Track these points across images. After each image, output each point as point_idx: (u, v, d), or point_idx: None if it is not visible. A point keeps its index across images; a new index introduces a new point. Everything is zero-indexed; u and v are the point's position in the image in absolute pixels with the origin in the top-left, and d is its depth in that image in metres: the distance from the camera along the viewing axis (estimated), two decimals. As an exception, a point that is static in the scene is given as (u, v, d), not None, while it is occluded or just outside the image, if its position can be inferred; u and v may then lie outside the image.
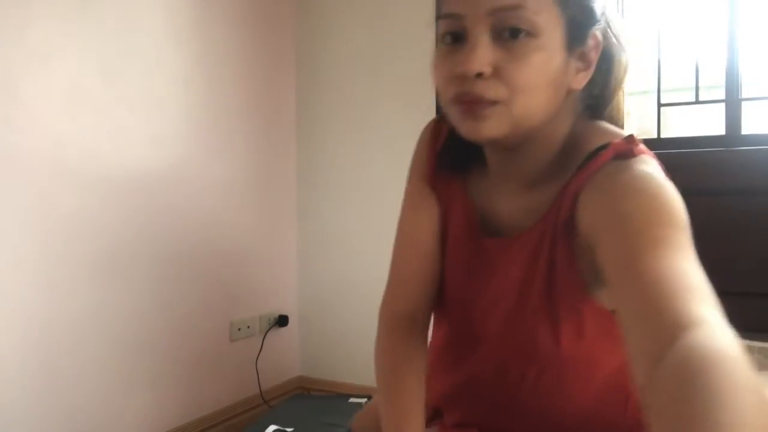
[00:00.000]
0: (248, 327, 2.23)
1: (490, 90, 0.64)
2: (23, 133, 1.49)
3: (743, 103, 1.90)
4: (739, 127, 1.90)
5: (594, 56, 0.69)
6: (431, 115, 1.01)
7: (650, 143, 0.85)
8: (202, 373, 2.02)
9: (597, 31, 0.69)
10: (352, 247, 2.39)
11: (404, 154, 0.92)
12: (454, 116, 0.69)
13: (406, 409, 0.76)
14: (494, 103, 0.65)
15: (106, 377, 1.70)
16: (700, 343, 0.41)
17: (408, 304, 0.84)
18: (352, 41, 2.36)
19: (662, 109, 2.06)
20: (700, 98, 2.07)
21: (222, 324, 2.12)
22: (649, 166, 0.64)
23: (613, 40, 0.72)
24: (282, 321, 2.37)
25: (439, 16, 0.69)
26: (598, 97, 0.75)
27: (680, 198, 0.60)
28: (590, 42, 0.69)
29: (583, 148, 0.69)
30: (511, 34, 0.64)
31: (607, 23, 0.71)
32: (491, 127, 0.66)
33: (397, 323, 0.83)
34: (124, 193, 1.74)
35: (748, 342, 1.59)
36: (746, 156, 1.85)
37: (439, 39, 0.70)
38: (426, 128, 0.86)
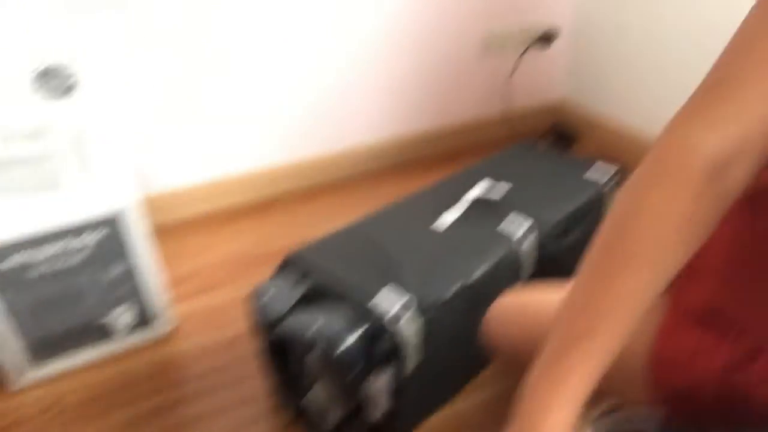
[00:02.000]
0: (505, 40, 1.98)
1: None
2: None
3: None
4: None
5: None
6: None
7: None
8: (444, 84, 1.94)
9: None
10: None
11: None
12: None
13: (616, 305, 0.49)
14: None
15: (348, 78, 1.75)
16: None
17: (727, 140, 0.47)
18: None
19: None
20: None
21: (473, 35, 1.92)
22: None
23: None
24: (547, 38, 2.05)
25: None
26: None
27: None
28: None
29: None
30: None
31: None
32: None
33: (701, 165, 0.47)
34: None
35: None
36: None
37: None
38: None
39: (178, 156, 1.60)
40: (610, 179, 1.33)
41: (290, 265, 1.03)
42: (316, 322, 0.90)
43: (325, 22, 1.63)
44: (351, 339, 0.88)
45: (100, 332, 1.16)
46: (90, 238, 1.07)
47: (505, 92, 2.06)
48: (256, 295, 0.98)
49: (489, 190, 1.21)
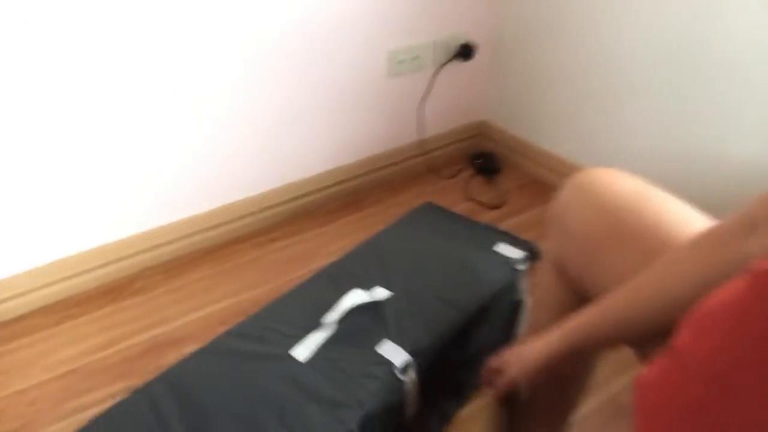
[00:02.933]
0: (415, 58, 1.69)
1: None
2: None
3: None
4: None
5: None
6: None
7: None
8: (354, 114, 1.65)
9: None
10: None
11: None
12: None
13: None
14: None
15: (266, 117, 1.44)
16: None
17: None
18: None
19: None
20: None
21: (377, 55, 1.62)
22: None
23: None
24: (464, 53, 1.77)
25: None
26: None
27: None
28: None
29: None
30: None
31: None
32: None
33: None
34: None
35: None
36: None
37: None
38: None
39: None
40: (522, 261, 1.07)
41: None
42: None
43: (184, 73, 1.30)
44: None
45: None
46: None
47: (419, 117, 1.79)
48: None
49: (364, 299, 0.93)
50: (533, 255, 1.09)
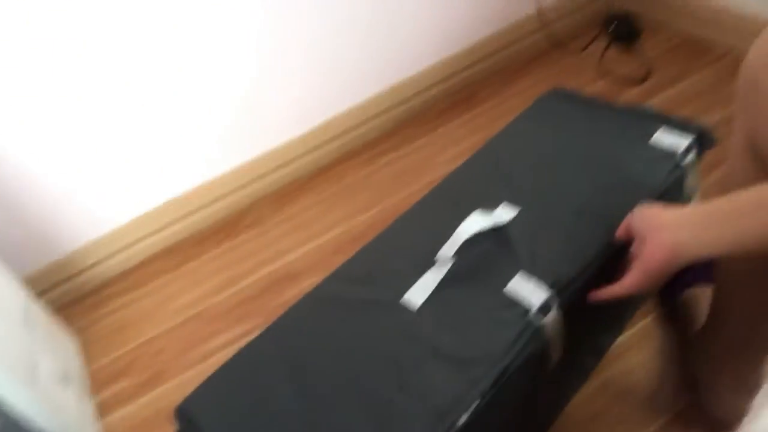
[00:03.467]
0: None
1: None
2: None
3: None
4: None
5: None
6: None
7: None
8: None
9: None
10: None
11: None
12: None
13: None
14: None
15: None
16: None
17: None
18: None
19: None
20: None
21: None
22: None
23: None
24: None
25: None
26: None
27: None
28: None
29: None
30: None
31: None
32: None
33: None
34: None
35: None
36: None
37: None
38: None
39: (87, 197, 1.20)
40: (688, 150, 0.82)
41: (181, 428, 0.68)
42: None
43: None
44: None
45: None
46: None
47: (533, -15, 1.48)
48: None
49: (484, 224, 0.75)
50: (704, 140, 0.83)
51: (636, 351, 0.94)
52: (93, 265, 1.25)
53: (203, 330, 1.12)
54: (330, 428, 0.63)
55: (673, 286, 0.98)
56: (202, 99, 1.21)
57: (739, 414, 0.85)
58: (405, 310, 0.71)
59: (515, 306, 0.68)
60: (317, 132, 1.39)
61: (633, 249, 0.67)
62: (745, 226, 0.56)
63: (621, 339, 0.95)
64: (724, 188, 0.68)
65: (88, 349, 1.14)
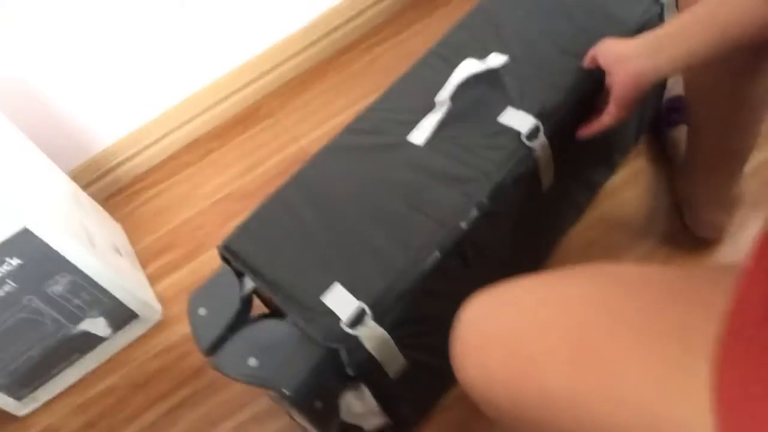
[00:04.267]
0: None
1: None
2: None
3: None
4: None
5: None
6: None
7: None
8: None
9: None
10: None
11: None
12: None
13: None
14: None
15: None
16: None
17: None
18: None
19: None
20: None
21: None
22: None
23: None
24: None
25: None
26: None
27: None
28: None
29: None
30: None
31: None
32: None
33: None
34: None
35: None
36: None
37: None
38: None
39: (114, 97, 1.29)
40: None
41: (227, 260, 0.80)
42: (254, 359, 0.68)
43: None
44: (300, 376, 0.66)
45: (83, 343, 1.05)
46: (10, 261, 0.89)
47: None
48: (189, 309, 0.77)
49: (477, 68, 0.83)
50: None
51: (629, 187, 1.03)
52: (124, 161, 1.36)
53: (234, 207, 1.23)
54: (354, 243, 0.74)
55: (660, 126, 1.07)
56: (210, 1, 1.26)
57: (719, 229, 0.95)
58: (411, 146, 0.81)
59: (507, 132, 0.77)
60: (317, 25, 1.44)
61: (606, 83, 0.75)
62: (692, 40, 0.63)
63: (615, 177, 1.05)
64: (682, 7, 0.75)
65: (132, 234, 1.26)
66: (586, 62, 0.80)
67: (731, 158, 0.85)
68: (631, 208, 1.02)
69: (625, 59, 0.71)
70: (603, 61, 0.75)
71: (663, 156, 1.05)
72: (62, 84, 1.20)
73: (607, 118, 0.77)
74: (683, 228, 0.96)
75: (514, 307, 0.50)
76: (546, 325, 0.47)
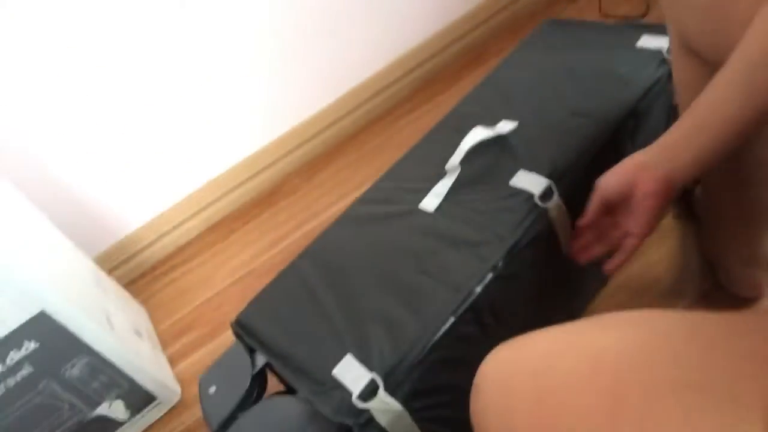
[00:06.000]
0: None
1: None
2: None
3: None
4: None
5: None
6: None
7: None
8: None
9: None
10: None
11: None
12: None
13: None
14: None
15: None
16: None
17: None
18: None
19: None
20: None
21: None
22: None
23: None
24: None
25: None
26: None
27: None
28: None
29: None
30: None
31: None
32: None
33: None
34: None
35: None
36: None
37: None
38: None
39: (139, 183, 1.33)
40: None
41: (240, 335, 0.78)
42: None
43: None
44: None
45: (100, 428, 1.02)
46: (27, 344, 0.89)
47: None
48: (200, 388, 0.75)
49: (486, 134, 0.83)
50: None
51: (656, 248, 0.99)
52: (148, 246, 1.39)
53: (256, 285, 1.20)
54: (366, 313, 0.71)
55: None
56: (231, 86, 1.32)
57: (757, 286, 0.90)
58: (422, 213, 0.80)
59: (519, 194, 0.76)
60: (339, 104, 1.49)
61: (619, 219, 0.68)
62: (705, 140, 0.59)
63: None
64: (675, 89, 0.73)
65: (154, 315, 1.26)
66: (593, 209, 0.70)
67: (754, 212, 0.81)
68: (660, 267, 0.97)
69: (649, 166, 0.63)
70: (612, 187, 0.66)
71: (689, 212, 1.01)
72: (87, 171, 1.25)
73: (633, 241, 0.68)
74: (718, 287, 0.91)
75: (541, 362, 0.46)
76: (577, 384, 0.42)
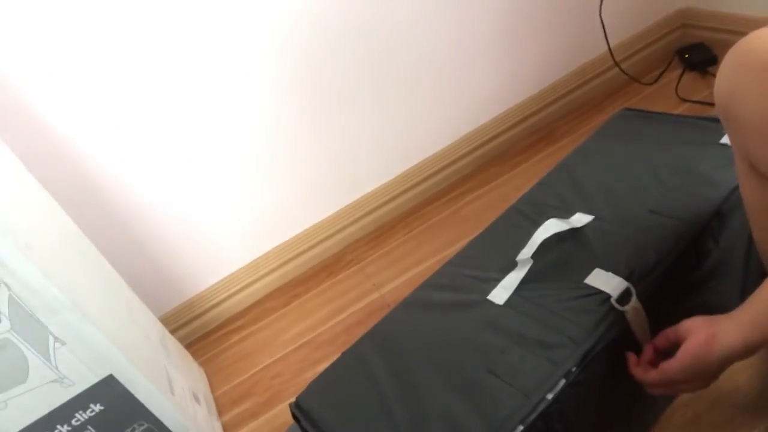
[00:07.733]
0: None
1: None
2: None
3: None
4: None
5: None
6: None
7: None
8: (525, 40, 1.51)
9: None
10: None
11: None
12: None
13: None
14: None
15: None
16: None
17: None
18: None
19: None
20: None
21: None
22: None
23: None
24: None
25: None
26: None
27: None
28: None
29: None
30: None
31: None
32: None
33: None
34: None
35: None
36: None
37: None
38: None
39: (208, 246, 1.37)
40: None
41: (297, 418, 0.77)
42: None
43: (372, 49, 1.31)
44: None
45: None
46: (93, 407, 0.91)
47: (602, 24, 1.56)
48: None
49: (561, 227, 0.82)
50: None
51: (738, 372, 0.93)
52: (212, 308, 1.41)
53: (314, 355, 1.22)
54: (429, 409, 0.69)
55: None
56: (300, 156, 1.37)
57: None
58: (491, 305, 0.78)
59: (596, 294, 0.73)
60: (403, 179, 1.51)
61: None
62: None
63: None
64: (745, 208, 0.70)
65: (213, 379, 1.27)
66: (661, 338, 0.72)
67: None
68: (738, 379, 0.91)
69: (714, 321, 0.64)
70: (688, 324, 0.67)
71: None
72: (161, 235, 1.30)
73: (642, 373, 0.70)
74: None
75: None
76: None
